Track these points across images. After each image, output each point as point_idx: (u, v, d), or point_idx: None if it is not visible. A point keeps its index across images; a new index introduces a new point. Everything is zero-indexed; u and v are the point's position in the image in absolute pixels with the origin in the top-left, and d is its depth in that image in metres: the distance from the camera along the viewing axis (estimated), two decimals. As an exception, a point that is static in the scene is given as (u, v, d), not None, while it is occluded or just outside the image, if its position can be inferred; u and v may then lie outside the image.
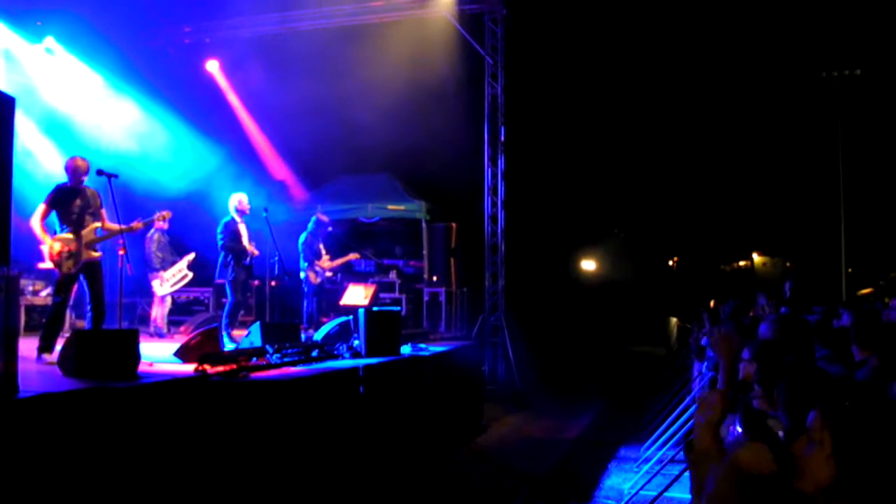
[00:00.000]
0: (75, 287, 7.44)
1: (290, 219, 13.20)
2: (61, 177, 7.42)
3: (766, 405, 3.17)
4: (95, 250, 7.32)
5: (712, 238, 37.78)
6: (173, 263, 11.03)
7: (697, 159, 31.43)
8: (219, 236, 9.63)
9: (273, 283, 13.42)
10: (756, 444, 2.23)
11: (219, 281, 9.96)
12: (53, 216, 7.32)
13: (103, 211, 7.55)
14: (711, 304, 14.03)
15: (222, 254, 9.62)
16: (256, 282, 12.67)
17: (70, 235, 7.18)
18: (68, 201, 7.30)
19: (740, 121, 30.61)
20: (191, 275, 11.04)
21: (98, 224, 7.41)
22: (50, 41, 11.88)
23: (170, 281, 10.95)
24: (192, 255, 11.02)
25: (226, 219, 9.74)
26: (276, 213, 11.72)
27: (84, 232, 7.25)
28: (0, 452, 3.76)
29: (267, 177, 14.62)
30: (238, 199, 9.83)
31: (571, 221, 22.73)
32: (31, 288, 10.52)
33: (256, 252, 9.83)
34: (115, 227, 7.46)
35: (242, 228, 9.76)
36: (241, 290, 9.67)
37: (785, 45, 27.77)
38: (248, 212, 9.89)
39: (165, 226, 11.13)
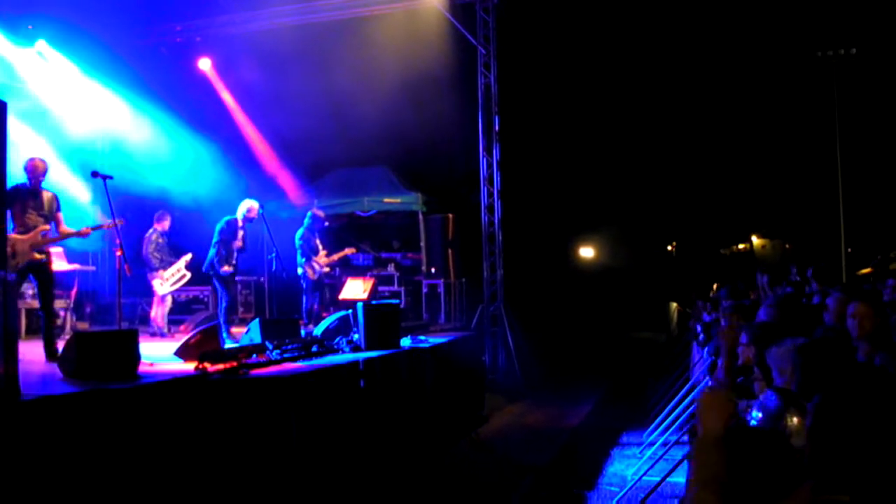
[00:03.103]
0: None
1: (287, 215, 13.24)
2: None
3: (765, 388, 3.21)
4: (41, 252, 7.25)
5: (710, 222, 37.80)
6: (171, 264, 11.05)
7: (693, 143, 31.42)
8: (216, 232, 9.74)
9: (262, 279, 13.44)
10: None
11: (205, 272, 10.04)
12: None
13: (59, 214, 7.53)
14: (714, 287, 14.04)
15: (214, 249, 9.75)
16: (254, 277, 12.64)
17: (17, 236, 7.10)
18: (22, 201, 7.25)
19: (736, 102, 30.58)
20: (189, 275, 11.07)
21: (47, 227, 7.36)
22: (42, 45, 11.84)
23: (169, 280, 10.96)
24: (189, 256, 11.05)
25: (229, 217, 9.87)
26: (272, 209, 11.75)
27: (31, 234, 7.19)
28: (4, 454, 3.80)
29: (261, 173, 14.66)
30: (249, 206, 9.95)
31: (568, 209, 22.75)
32: (30, 291, 10.54)
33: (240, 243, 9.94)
34: (68, 230, 7.52)
35: (240, 234, 9.93)
36: (234, 286, 9.80)
37: (780, 25, 27.75)
38: (253, 221, 10.01)
39: (165, 226, 11.21)
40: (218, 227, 9.79)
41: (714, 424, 2.37)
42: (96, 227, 7.87)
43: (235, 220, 9.86)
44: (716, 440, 2.33)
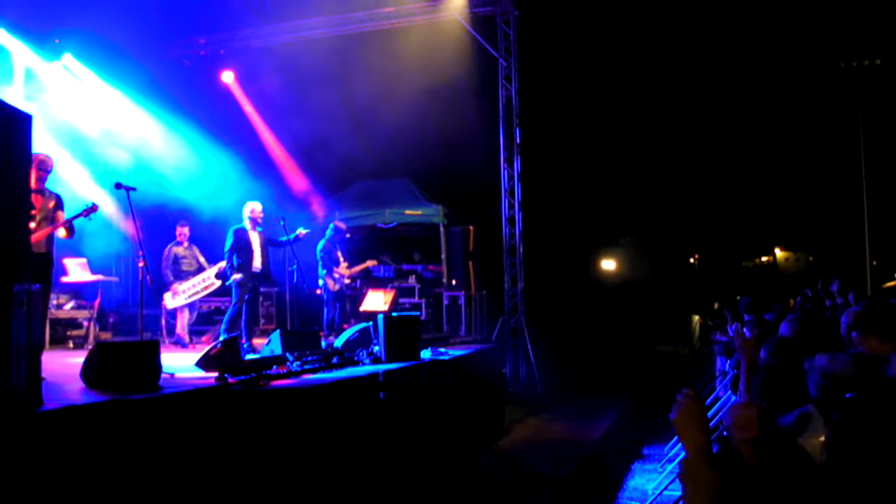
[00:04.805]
0: None
1: (309, 227, 13.12)
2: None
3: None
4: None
5: (733, 234, 37.46)
6: (192, 275, 11.18)
7: (716, 154, 31.21)
8: (226, 242, 9.85)
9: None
10: None
11: (226, 284, 10.17)
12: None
13: (59, 214, 7.22)
14: (716, 305, 13.91)
15: (226, 259, 9.88)
16: (275, 289, 12.80)
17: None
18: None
19: (759, 114, 30.38)
20: (217, 283, 11.14)
21: (48, 229, 7.08)
22: (68, 58, 12.05)
23: (187, 292, 11.09)
24: (222, 263, 10.97)
25: (236, 226, 9.94)
26: (294, 221, 11.77)
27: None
28: (26, 463, 3.81)
29: (284, 185, 14.76)
30: (252, 208, 10.00)
31: (590, 221, 22.66)
32: (54, 301, 10.63)
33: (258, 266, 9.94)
34: (50, 228, 7.12)
35: (255, 237, 9.93)
36: (247, 297, 9.80)
37: (803, 37, 27.53)
38: (261, 221, 10.04)
39: (183, 237, 11.47)
40: (227, 237, 9.90)
41: (743, 438, 2.32)
42: (72, 218, 7.45)
43: (241, 227, 9.95)
44: (745, 454, 2.28)
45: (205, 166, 12.95)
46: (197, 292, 11.17)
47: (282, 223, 10.03)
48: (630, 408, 12.80)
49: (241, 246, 9.84)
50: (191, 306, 11.47)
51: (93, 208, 7.30)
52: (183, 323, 11.21)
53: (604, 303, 23.96)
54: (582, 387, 14.23)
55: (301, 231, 10.10)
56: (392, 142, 13.91)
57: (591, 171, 21.60)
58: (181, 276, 11.27)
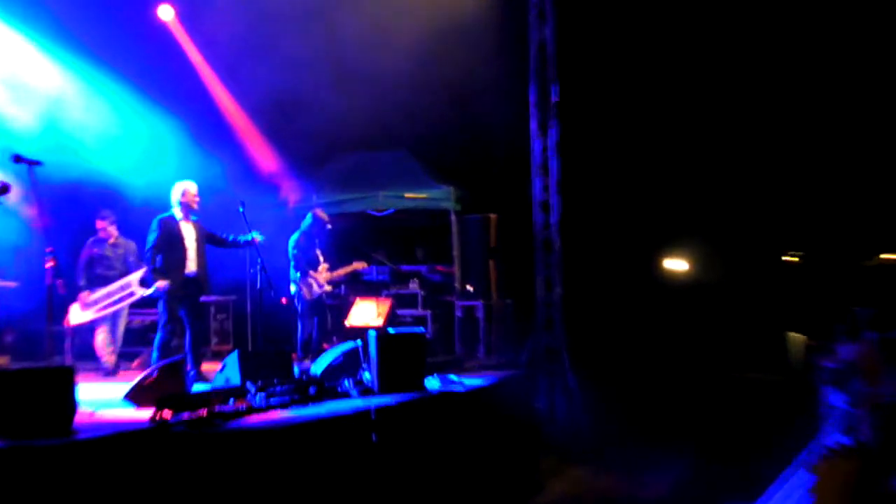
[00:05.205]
0: None
1: (276, 214, 13.47)
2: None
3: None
4: None
5: (849, 224, 37.19)
6: (110, 280, 11.24)
7: (827, 121, 30.87)
8: (149, 236, 9.88)
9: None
10: None
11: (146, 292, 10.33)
12: None
13: None
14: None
15: (148, 257, 9.89)
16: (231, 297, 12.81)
17: None
18: None
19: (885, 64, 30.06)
20: (141, 292, 11.07)
21: None
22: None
23: (99, 303, 11.11)
24: (143, 270, 11.00)
25: (162, 215, 9.98)
26: (256, 207, 11.45)
27: None
28: None
29: (243, 159, 14.72)
30: (183, 190, 10.04)
31: (652, 207, 22.43)
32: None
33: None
34: None
35: (188, 230, 10.00)
36: (183, 312, 9.89)
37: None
38: (196, 207, 10.08)
39: (108, 234, 11.50)
40: (150, 230, 9.94)
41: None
42: None
43: (170, 216, 9.98)
44: None
45: (136, 133, 12.86)
46: (111, 304, 11.15)
47: (241, 210, 9.96)
48: (704, 456, 12.75)
49: (169, 242, 9.84)
50: (112, 323, 11.40)
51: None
52: (103, 344, 11.22)
53: (670, 314, 23.79)
54: (640, 427, 14.13)
55: (256, 237, 10.09)
56: (389, 102, 13.72)
57: (654, 141, 21.34)
58: (96, 282, 11.26)
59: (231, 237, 10.29)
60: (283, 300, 11.68)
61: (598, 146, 16.70)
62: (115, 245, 11.64)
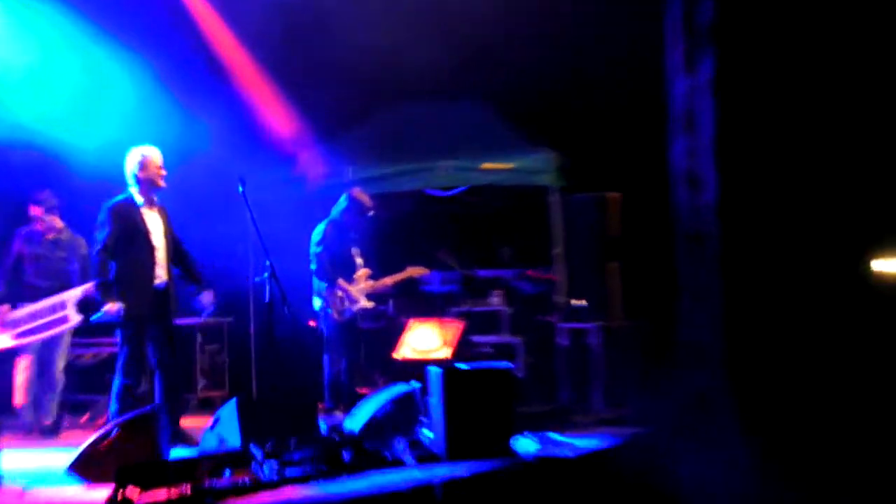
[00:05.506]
0: None
1: (291, 196, 13.44)
2: None
3: None
4: None
5: None
6: (53, 293, 10.77)
7: None
8: (98, 231, 9.40)
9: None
10: None
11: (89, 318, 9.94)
12: None
13: None
14: None
15: (96, 263, 9.41)
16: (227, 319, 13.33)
17: None
18: None
19: None
20: (76, 319, 10.66)
21: None
22: None
23: (21, 325, 10.76)
24: (88, 286, 10.60)
25: (113, 200, 9.50)
26: (265, 185, 11.92)
27: None
28: None
29: (243, 117, 14.36)
30: (141, 159, 9.49)
31: (859, 183, 21.47)
32: None
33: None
34: None
35: (153, 219, 9.55)
36: (151, 343, 9.48)
37: None
38: (162, 183, 9.53)
39: (46, 227, 11.15)
40: (98, 221, 9.46)
41: None
42: None
43: (126, 199, 9.47)
44: None
45: (83, 74, 12.68)
46: (36, 329, 10.71)
47: (240, 190, 9.51)
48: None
49: (128, 239, 9.33)
50: (44, 356, 11.02)
51: None
52: (25, 384, 10.97)
53: (884, 334, 22.70)
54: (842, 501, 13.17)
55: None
56: (454, 28, 13.25)
57: (866, 83, 20.29)
58: (25, 293, 10.96)
59: (198, 264, 10.07)
60: (312, 322, 11.64)
61: (777, 89, 15.64)
62: (55, 242, 11.29)
